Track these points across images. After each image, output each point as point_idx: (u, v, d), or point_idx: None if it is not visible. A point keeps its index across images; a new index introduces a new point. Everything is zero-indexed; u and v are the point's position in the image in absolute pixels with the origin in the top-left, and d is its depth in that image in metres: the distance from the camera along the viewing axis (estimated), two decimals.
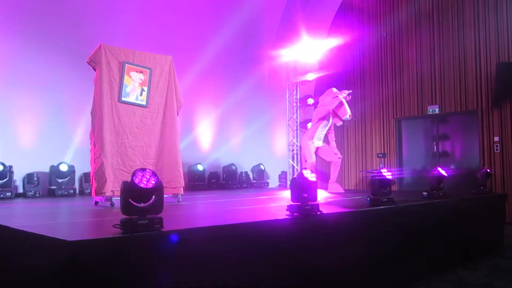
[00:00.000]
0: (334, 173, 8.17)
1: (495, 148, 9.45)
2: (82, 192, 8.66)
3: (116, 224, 2.87)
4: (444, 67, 10.27)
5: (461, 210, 6.02)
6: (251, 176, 11.32)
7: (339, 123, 8.45)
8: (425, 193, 5.97)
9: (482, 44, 9.72)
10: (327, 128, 8.34)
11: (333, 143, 8.50)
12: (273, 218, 3.89)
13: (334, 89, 8.35)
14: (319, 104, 8.40)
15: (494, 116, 9.50)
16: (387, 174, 4.80)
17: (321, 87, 12.36)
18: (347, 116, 8.11)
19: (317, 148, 8.29)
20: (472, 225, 6.17)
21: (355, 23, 11.91)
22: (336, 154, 8.25)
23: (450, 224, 5.70)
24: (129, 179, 2.87)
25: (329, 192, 7.83)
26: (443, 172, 6.08)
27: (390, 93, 11.18)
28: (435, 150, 10.52)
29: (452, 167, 9.97)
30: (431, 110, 10.46)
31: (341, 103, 8.10)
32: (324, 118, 8.19)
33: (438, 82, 10.37)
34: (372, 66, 11.55)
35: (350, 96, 8.29)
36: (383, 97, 11.31)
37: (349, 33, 11.80)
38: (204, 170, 10.48)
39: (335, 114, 8.24)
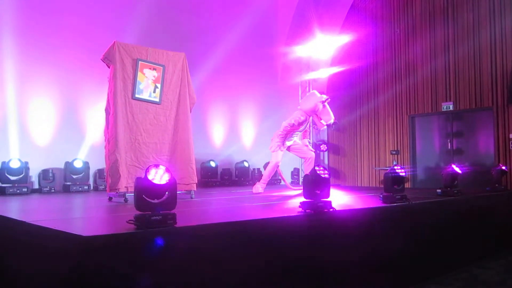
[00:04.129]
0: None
1: (510, 145, 9.32)
2: (96, 188, 8.76)
3: (130, 220, 2.90)
4: (459, 63, 10.15)
5: (475, 208, 5.97)
6: (263, 172, 11.31)
7: (323, 128, 8.09)
8: (439, 191, 5.92)
9: (498, 40, 9.58)
10: (301, 132, 7.85)
11: (305, 141, 8.08)
12: (286, 215, 3.89)
13: (317, 93, 7.79)
14: (299, 107, 7.76)
15: (510, 113, 9.37)
16: (400, 171, 4.77)
17: (334, 83, 12.34)
18: (331, 121, 7.71)
19: (289, 146, 7.75)
20: (486, 223, 6.10)
21: (368, 19, 11.83)
22: (311, 149, 7.84)
23: (464, 222, 5.65)
24: (142, 176, 2.89)
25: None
26: (457, 169, 6.02)
27: (404, 90, 11.09)
28: (449, 147, 10.41)
29: (466, 164, 9.86)
30: (445, 107, 10.35)
31: (324, 108, 7.60)
32: (303, 123, 7.63)
33: (452, 79, 10.25)
34: (386, 62, 11.45)
35: (329, 100, 7.80)
36: (397, 94, 11.22)
37: (362, 29, 11.72)
38: (216, 166, 10.52)
39: (318, 118, 7.72)
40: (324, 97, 7.60)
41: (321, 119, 7.71)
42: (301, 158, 8.16)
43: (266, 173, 7.71)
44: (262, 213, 4.50)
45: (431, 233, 5.08)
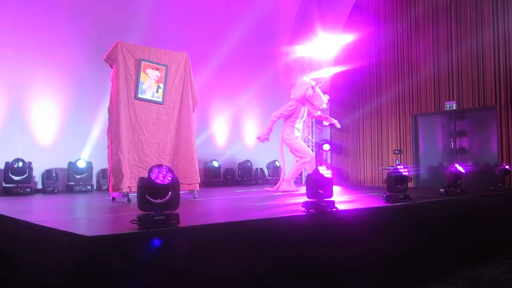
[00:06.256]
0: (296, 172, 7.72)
1: None
2: (99, 188, 8.78)
3: (133, 220, 2.90)
4: (462, 62, 10.12)
5: (479, 207, 5.95)
6: (266, 172, 11.32)
7: (317, 113, 7.87)
8: (442, 190, 5.90)
9: (501, 38, 9.54)
10: (303, 119, 7.83)
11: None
12: (288, 215, 3.89)
13: (306, 79, 7.70)
14: (291, 96, 7.70)
15: None
16: (403, 170, 4.76)
17: (337, 83, 12.32)
18: (324, 106, 7.68)
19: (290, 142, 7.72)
20: (490, 223, 6.09)
21: (371, 18, 11.80)
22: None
23: (467, 221, 5.63)
24: (145, 175, 2.90)
25: (281, 191, 7.45)
26: (460, 168, 6.01)
27: (407, 89, 11.06)
28: (452, 147, 10.39)
29: (469, 163, 9.83)
30: (448, 106, 10.33)
31: (315, 92, 7.52)
32: (295, 112, 7.54)
33: (455, 78, 10.22)
34: (388, 61, 11.43)
35: (321, 84, 7.72)
36: (400, 93, 11.20)
37: (365, 28, 11.70)
38: (219, 166, 10.52)
39: (311, 105, 7.64)
40: (313, 82, 7.52)
41: (314, 106, 7.61)
42: (297, 157, 7.69)
43: (292, 171, 7.62)
44: (265, 212, 4.50)
45: (434, 233, 5.07)
